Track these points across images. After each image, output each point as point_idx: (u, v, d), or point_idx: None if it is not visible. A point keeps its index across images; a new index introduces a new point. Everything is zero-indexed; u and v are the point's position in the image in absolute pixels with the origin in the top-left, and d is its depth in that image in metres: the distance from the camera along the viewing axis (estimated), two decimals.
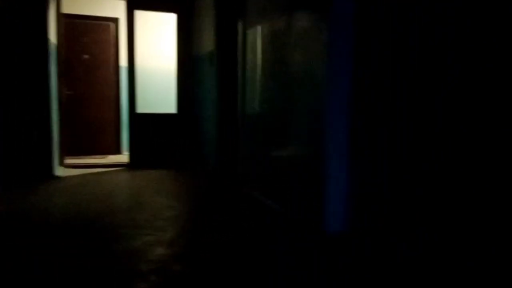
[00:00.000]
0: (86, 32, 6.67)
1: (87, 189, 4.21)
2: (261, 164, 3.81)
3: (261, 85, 3.83)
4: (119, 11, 6.61)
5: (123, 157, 6.43)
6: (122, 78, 6.74)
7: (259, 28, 3.82)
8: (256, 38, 3.88)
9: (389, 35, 2.38)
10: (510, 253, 1.64)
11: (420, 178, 2.14)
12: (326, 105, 2.72)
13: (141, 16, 5.88)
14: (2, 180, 4.44)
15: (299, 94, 3.11)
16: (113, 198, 3.89)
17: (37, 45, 4.66)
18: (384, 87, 2.43)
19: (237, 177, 4.48)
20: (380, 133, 2.47)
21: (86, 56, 6.69)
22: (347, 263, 2.28)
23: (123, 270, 2.15)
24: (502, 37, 1.67)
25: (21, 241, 2.61)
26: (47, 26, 4.70)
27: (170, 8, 5.90)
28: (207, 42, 5.28)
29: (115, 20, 6.84)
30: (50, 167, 4.79)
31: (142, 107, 5.81)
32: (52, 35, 4.96)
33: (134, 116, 5.69)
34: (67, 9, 6.09)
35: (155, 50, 6.67)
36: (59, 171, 5.08)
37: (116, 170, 5.49)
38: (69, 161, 5.80)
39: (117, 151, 6.95)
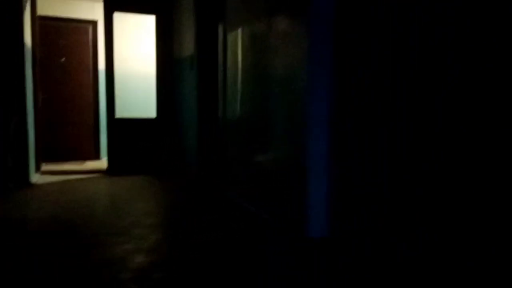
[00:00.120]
0: (63, 34, 6.53)
1: (64, 197, 4.10)
2: (243, 169, 3.77)
3: (242, 88, 3.80)
4: (98, 13, 6.50)
5: (102, 163, 6.31)
6: (101, 81, 6.62)
7: (239, 31, 3.79)
8: (237, 42, 3.85)
9: (370, 37, 2.37)
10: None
11: (402, 183, 2.14)
12: (307, 109, 2.71)
13: (120, 18, 5.79)
14: None
15: (280, 98, 3.08)
16: (91, 205, 3.79)
17: (12, 48, 4.53)
18: (366, 88, 2.42)
19: (219, 183, 4.43)
20: (363, 136, 2.46)
21: (63, 59, 6.55)
22: (327, 268, 2.26)
23: (102, 279, 2.08)
24: (501, 37, 1.67)
25: None
26: (22, 29, 4.57)
27: (149, 10, 5.82)
28: (188, 45, 5.23)
29: (93, 23, 6.72)
30: (26, 174, 4.65)
31: (122, 112, 5.71)
32: (28, 38, 4.83)
33: (112, 121, 5.58)
34: (43, 11, 5.95)
35: (134, 53, 6.58)
36: (35, 178, 4.94)
37: (94, 177, 5.37)
38: (45, 167, 5.66)
39: (96, 156, 6.82)
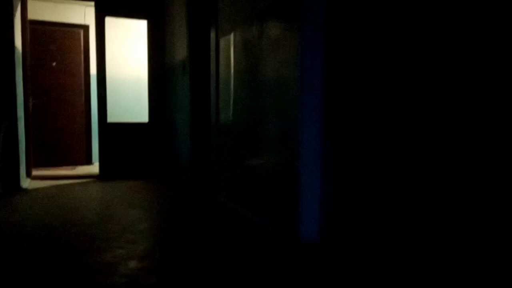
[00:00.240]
0: (54, 39, 6.50)
1: (55, 202, 4.07)
2: (235, 174, 3.77)
3: (234, 93, 3.81)
4: (89, 18, 6.49)
5: (94, 168, 6.28)
6: (93, 86, 6.59)
7: (231, 36, 3.80)
8: (229, 47, 3.86)
9: (360, 42, 2.39)
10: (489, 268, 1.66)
11: (397, 186, 2.16)
12: (299, 113, 2.72)
13: (112, 23, 5.78)
14: None
15: (272, 103, 3.09)
16: (82, 211, 3.77)
17: (2, 52, 4.50)
18: (357, 92, 2.44)
19: (211, 187, 4.42)
20: (356, 140, 2.47)
21: (54, 64, 6.51)
22: (317, 274, 2.26)
23: (93, 285, 2.07)
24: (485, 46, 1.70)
25: None
26: (13, 33, 4.55)
27: (141, 15, 5.82)
28: (180, 50, 5.23)
29: (85, 27, 6.70)
30: (16, 179, 4.61)
31: (114, 116, 5.69)
32: (18, 42, 4.81)
33: (104, 125, 5.56)
34: (34, 15, 5.94)
35: (127, 58, 6.57)
36: (26, 183, 4.90)
37: (86, 182, 5.34)
38: (36, 172, 5.61)
39: (88, 161, 6.78)
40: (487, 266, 1.68)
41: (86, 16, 6.61)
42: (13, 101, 4.58)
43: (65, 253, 2.57)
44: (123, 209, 3.77)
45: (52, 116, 6.55)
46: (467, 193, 1.76)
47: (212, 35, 4.31)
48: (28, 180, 5.14)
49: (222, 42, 4.05)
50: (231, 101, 3.87)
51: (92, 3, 5.60)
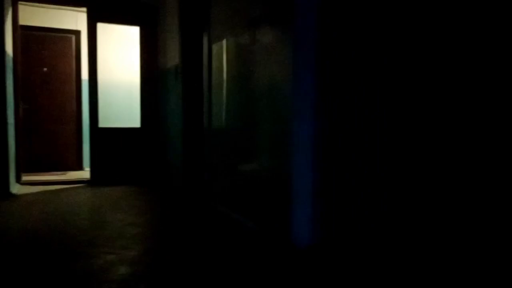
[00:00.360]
0: (45, 44, 6.48)
1: (45, 207, 4.03)
2: (228, 178, 3.77)
3: (227, 99, 3.81)
4: (81, 24, 6.48)
5: (85, 173, 6.23)
6: (84, 91, 6.57)
7: (224, 42, 3.81)
8: (222, 52, 3.87)
9: (351, 49, 2.41)
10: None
11: (389, 189, 2.17)
12: (291, 118, 2.73)
13: (104, 28, 5.77)
14: None
15: (264, 108, 3.10)
16: (72, 216, 3.73)
17: None
18: (348, 98, 2.45)
19: (204, 192, 4.41)
20: (348, 143, 2.48)
21: (45, 69, 6.48)
22: (310, 277, 2.26)
23: None
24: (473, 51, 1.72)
25: None
26: (3, 38, 4.52)
27: (133, 21, 5.82)
28: (172, 55, 5.23)
29: (76, 33, 6.69)
30: (5, 185, 4.56)
31: (106, 121, 5.67)
32: (9, 47, 4.78)
33: (95, 130, 5.53)
34: (25, 21, 5.91)
35: (119, 63, 6.55)
36: (16, 189, 4.85)
37: (77, 187, 5.30)
38: (26, 178, 5.56)
39: (79, 167, 6.74)
40: (487, 264, 1.69)
41: (78, 21, 6.60)
42: (3, 106, 4.54)
43: (53, 259, 2.54)
44: (114, 214, 3.74)
45: (43, 121, 6.50)
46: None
47: (205, 40, 4.32)
48: (18, 185, 5.09)
49: (214, 48, 4.06)
50: (224, 106, 3.87)
51: (84, 9, 5.59)
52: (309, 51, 2.72)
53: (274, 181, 2.97)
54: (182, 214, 3.85)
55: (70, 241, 2.91)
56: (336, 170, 2.58)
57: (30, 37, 6.27)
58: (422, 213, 1.97)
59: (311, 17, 2.70)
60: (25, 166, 5.64)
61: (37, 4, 6.04)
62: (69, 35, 6.65)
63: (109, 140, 5.62)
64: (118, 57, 6.52)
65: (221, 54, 3.90)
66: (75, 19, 6.61)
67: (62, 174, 6.25)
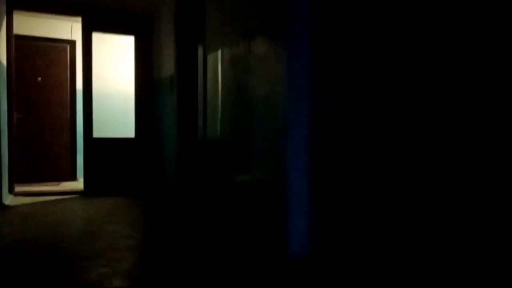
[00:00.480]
0: (40, 54, 6.45)
1: (38, 219, 3.98)
2: (223, 189, 3.75)
3: (222, 109, 3.80)
4: (76, 33, 6.47)
5: (79, 184, 6.18)
6: (79, 101, 6.53)
7: (219, 52, 3.81)
8: (217, 63, 3.87)
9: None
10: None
11: (386, 199, 2.16)
12: (286, 128, 2.72)
13: (99, 38, 5.77)
14: None
15: (259, 119, 3.09)
16: (66, 228, 3.69)
17: None
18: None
19: (199, 203, 4.38)
20: (343, 152, 2.48)
21: (39, 79, 6.45)
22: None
23: None
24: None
25: None
26: None
27: (128, 30, 5.82)
28: (167, 65, 5.23)
29: (71, 43, 6.67)
30: None
31: (100, 132, 5.64)
32: (3, 57, 4.76)
33: (89, 141, 5.50)
34: (20, 30, 5.89)
35: (113, 73, 6.54)
36: (8, 200, 4.79)
37: (70, 198, 5.25)
38: (19, 188, 5.50)
39: (72, 177, 6.68)
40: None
41: (73, 31, 6.59)
42: None
43: (46, 272, 2.50)
44: (107, 225, 3.70)
45: (37, 131, 6.45)
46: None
47: (200, 51, 4.32)
48: (11, 196, 5.04)
49: (209, 58, 4.06)
50: (219, 116, 3.86)
51: (79, 19, 5.59)
52: (302, 63, 2.72)
53: (270, 192, 2.95)
54: (177, 226, 3.81)
55: (64, 253, 2.87)
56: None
57: (24, 46, 6.25)
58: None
59: (304, 29, 2.71)
60: (18, 176, 5.58)
61: (32, 14, 6.02)
62: (64, 45, 6.64)
63: (103, 150, 5.58)
64: (113, 66, 6.52)
65: (216, 65, 3.89)
66: (70, 29, 6.60)
67: (55, 185, 6.19)
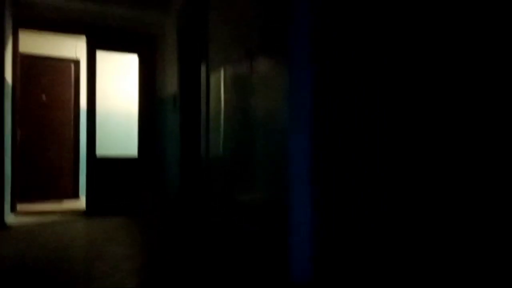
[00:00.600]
0: (44, 72, 6.50)
1: (39, 239, 3.94)
2: (225, 210, 3.70)
3: (224, 128, 3.79)
4: (80, 52, 6.52)
5: (81, 203, 6.15)
6: (82, 120, 6.55)
7: (222, 71, 3.81)
8: (219, 81, 3.87)
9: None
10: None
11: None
12: (288, 150, 2.69)
13: (104, 57, 5.81)
14: None
15: (261, 139, 3.07)
16: (67, 248, 3.65)
17: None
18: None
19: (202, 224, 4.33)
20: (346, 172, 2.44)
21: (44, 97, 6.49)
22: None
23: None
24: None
25: None
26: (3, 65, 4.53)
27: (132, 49, 5.86)
28: (171, 84, 5.24)
29: (75, 62, 6.73)
30: (0, 215, 4.48)
31: (103, 150, 5.63)
32: (8, 75, 4.78)
33: (92, 160, 5.48)
34: (25, 48, 5.95)
35: (117, 92, 6.57)
36: (10, 219, 4.76)
37: (72, 217, 5.21)
38: (22, 207, 5.48)
39: (75, 195, 6.66)
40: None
41: (78, 50, 6.64)
42: (1, 134, 4.50)
43: None
44: (110, 246, 3.66)
45: (40, 149, 6.46)
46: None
47: (203, 69, 4.33)
48: (13, 216, 5.01)
49: (212, 77, 4.06)
50: (221, 135, 3.84)
51: (84, 37, 5.63)
52: (305, 82, 2.71)
53: (272, 213, 2.91)
54: (180, 247, 3.76)
55: (66, 275, 2.82)
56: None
57: (29, 64, 6.30)
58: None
59: (305, 48, 2.71)
60: (21, 194, 5.56)
61: (37, 32, 6.08)
62: (68, 63, 6.69)
63: (106, 170, 5.56)
64: (117, 85, 6.55)
65: (219, 83, 3.89)
66: (75, 48, 6.65)
67: (58, 203, 6.17)
